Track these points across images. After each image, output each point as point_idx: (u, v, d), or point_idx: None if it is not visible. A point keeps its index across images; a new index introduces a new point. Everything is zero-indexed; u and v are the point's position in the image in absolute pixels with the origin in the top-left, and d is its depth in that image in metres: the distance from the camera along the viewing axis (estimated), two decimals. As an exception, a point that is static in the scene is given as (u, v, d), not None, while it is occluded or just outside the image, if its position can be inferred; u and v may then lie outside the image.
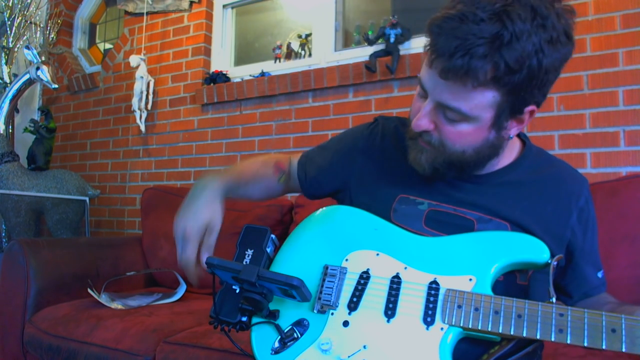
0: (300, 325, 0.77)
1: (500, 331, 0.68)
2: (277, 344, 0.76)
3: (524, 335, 0.66)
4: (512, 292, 0.73)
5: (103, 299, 1.68)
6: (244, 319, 0.78)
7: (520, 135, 0.91)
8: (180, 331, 1.43)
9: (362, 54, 2.21)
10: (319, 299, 0.78)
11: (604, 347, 0.62)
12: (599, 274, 0.87)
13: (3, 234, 2.72)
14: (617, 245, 1.33)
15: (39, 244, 1.79)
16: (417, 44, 2.08)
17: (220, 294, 0.80)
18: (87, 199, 2.59)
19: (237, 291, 0.77)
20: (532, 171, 0.86)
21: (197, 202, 0.86)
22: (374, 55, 2.06)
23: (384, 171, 0.92)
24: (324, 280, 0.80)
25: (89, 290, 1.69)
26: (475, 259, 0.75)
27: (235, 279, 0.74)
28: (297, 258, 0.86)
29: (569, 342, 0.64)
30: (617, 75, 1.66)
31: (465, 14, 0.67)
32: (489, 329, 0.68)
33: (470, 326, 0.69)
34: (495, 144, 0.79)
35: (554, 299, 0.70)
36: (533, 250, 0.74)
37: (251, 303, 0.75)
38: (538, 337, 0.66)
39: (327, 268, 0.81)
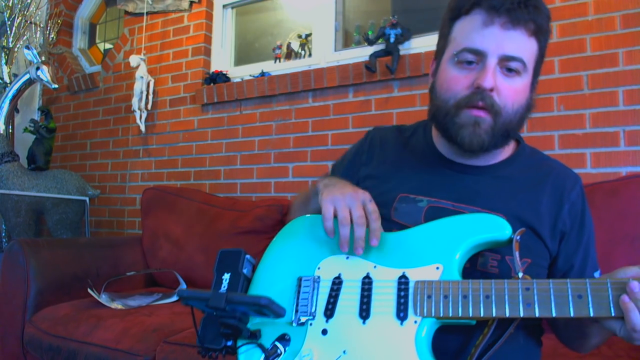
0: (283, 340, 0.77)
1: (470, 315, 0.69)
2: None
3: (494, 315, 0.67)
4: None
5: (103, 299, 1.69)
6: (229, 343, 0.78)
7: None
8: (180, 331, 1.43)
9: (362, 54, 2.21)
10: (297, 311, 0.78)
11: (572, 314, 0.63)
12: (596, 274, 0.87)
13: (3, 234, 2.72)
14: (617, 245, 1.33)
15: (39, 244, 1.79)
16: (417, 44, 2.08)
17: (202, 321, 0.81)
18: (87, 199, 2.59)
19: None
20: (526, 168, 0.89)
21: (346, 185, 0.85)
22: (374, 55, 2.06)
23: (385, 175, 0.94)
24: (299, 292, 0.80)
25: (89, 290, 1.69)
26: (440, 247, 0.76)
27: (208, 306, 0.75)
28: (272, 275, 0.86)
29: (537, 315, 0.65)
30: (617, 75, 1.66)
31: None
32: (460, 315, 0.69)
33: (441, 315, 0.70)
34: (530, 106, 0.84)
35: (520, 274, 0.71)
36: (494, 228, 0.74)
37: (229, 328, 0.76)
38: (507, 315, 0.66)
39: (300, 280, 0.82)
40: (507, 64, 0.78)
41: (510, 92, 0.79)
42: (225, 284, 0.83)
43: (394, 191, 0.89)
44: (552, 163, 0.92)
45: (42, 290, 1.71)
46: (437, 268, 0.74)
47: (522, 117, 0.82)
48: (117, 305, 1.66)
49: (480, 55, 0.78)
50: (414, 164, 0.92)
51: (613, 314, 0.62)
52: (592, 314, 0.62)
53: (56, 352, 1.51)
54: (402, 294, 0.73)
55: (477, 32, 0.78)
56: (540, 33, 0.79)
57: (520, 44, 0.77)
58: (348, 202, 0.77)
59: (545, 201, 0.84)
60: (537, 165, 0.90)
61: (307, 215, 0.91)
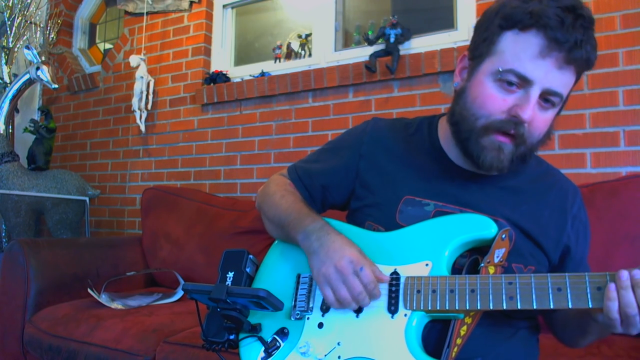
0: (282, 333, 0.82)
1: (457, 308, 0.72)
2: (262, 354, 0.81)
3: (479, 307, 0.71)
4: None
5: (103, 299, 1.69)
6: (232, 337, 0.83)
7: None
8: (180, 331, 1.43)
9: (362, 54, 2.21)
10: (295, 306, 0.82)
11: (552, 306, 0.67)
12: None
13: (3, 234, 2.72)
14: (617, 245, 1.33)
15: (39, 244, 1.79)
16: (417, 44, 2.08)
17: (207, 317, 0.86)
18: (87, 199, 2.59)
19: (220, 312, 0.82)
20: (531, 179, 0.89)
21: (330, 245, 0.79)
22: (374, 55, 2.06)
23: (388, 173, 0.91)
24: (297, 289, 0.85)
25: (89, 290, 1.69)
26: (429, 245, 0.79)
27: (210, 299, 0.79)
28: (273, 273, 0.90)
29: (519, 307, 0.68)
30: (617, 75, 1.66)
31: (575, 6, 0.71)
32: (447, 308, 0.73)
33: (430, 308, 0.73)
34: (550, 133, 0.82)
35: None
36: (480, 227, 0.78)
37: (231, 320, 0.80)
38: (491, 307, 0.70)
39: (299, 277, 0.86)
40: (548, 97, 0.76)
41: (541, 123, 0.78)
42: (229, 281, 0.88)
43: (399, 192, 0.87)
44: (554, 174, 0.92)
45: (42, 290, 1.71)
46: (427, 265, 0.78)
47: (540, 144, 0.81)
48: (117, 305, 1.66)
49: (525, 82, 0.74)
50: (420, 165, 0.89)
51: (591, 306, 0.65)
52: (570, 306, 0.66)
53: (56, 352, 1.51)
54: (394, 288, 0.77)
55: (530, 59, 0.73)
56: (588, 69, 0.76)
57: (566, 80, 0.75)
58: (344, 279, 0.75)
59: (548, 214, 0.86)
60: (543, 176, 0.90)
61: None
